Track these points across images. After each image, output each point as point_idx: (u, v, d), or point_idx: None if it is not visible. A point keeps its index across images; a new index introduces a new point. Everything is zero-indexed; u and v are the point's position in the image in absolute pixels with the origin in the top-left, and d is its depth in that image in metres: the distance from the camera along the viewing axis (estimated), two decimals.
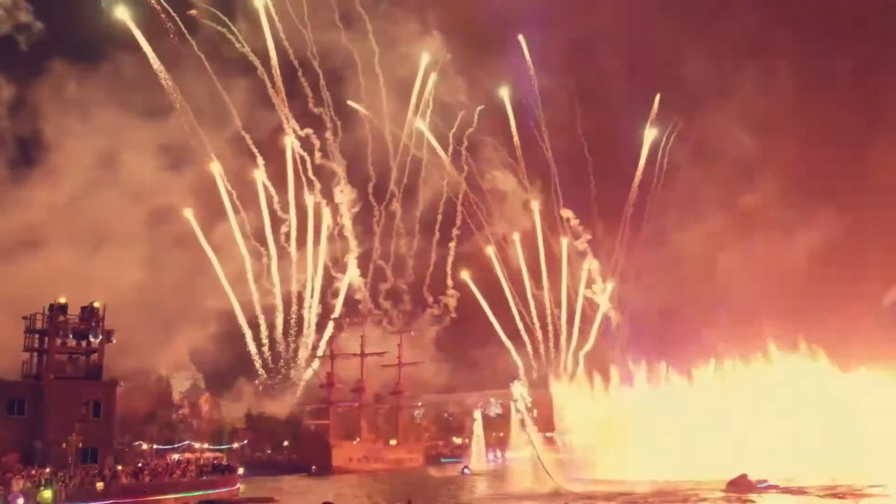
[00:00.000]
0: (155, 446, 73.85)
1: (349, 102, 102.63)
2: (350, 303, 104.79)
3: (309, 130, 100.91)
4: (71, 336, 61.72)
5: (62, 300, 61.28)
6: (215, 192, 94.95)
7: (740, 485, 51.81)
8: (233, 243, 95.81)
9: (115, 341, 63.25)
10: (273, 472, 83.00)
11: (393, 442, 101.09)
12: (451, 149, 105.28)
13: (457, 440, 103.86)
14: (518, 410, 63.04)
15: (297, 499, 58.26)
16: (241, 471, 66.93)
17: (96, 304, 61.97)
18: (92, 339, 61.69)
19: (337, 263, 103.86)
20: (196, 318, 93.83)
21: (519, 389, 64.49)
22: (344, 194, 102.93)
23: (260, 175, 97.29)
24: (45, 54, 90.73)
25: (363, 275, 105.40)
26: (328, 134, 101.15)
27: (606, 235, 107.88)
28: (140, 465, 60.48)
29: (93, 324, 61.51)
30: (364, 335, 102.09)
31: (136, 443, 72.39)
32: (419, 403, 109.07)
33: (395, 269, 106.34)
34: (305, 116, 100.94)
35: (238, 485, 61.14)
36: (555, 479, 55.91)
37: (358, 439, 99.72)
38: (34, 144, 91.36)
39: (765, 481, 52.60)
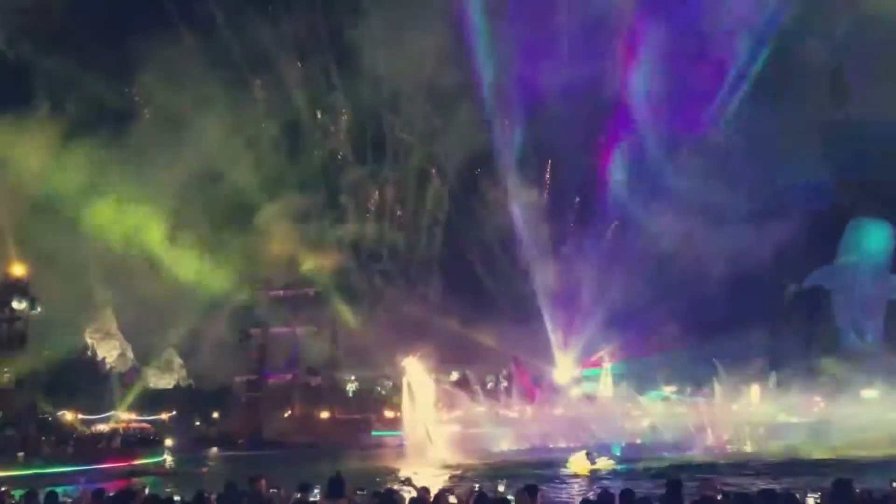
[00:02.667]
0: (80, 416, 72.60)
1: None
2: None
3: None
4: None
5: None
6: None
7: (581, 463, 53.66)
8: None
9: (39, 309, 61.93)
10: (202, 444, 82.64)
11: (324, 415, 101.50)
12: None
13: (388, 414, 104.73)
14: (409, 389, 64.47)
15: (223, 470, 58.23)
16: (168, 442, 66.59)
17: (19, 271, 60.47)
18: (15, 306, 60.27)
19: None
20: (126, 288, 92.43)
21: (412, 365, 65.32)
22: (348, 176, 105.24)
23: None
24: None
25: (359, 255, 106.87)
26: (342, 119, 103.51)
27: None
28: (64, 435, 59.62)
29: (16, 291, 60.09)
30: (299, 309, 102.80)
31: (61, 412, 71.02)
32: (352, 377, 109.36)
33: (388, 250, 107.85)
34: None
35: (165, 456, 60.87)
36: (440, 452, 58.37)
37: (289, 412, 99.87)
38: None
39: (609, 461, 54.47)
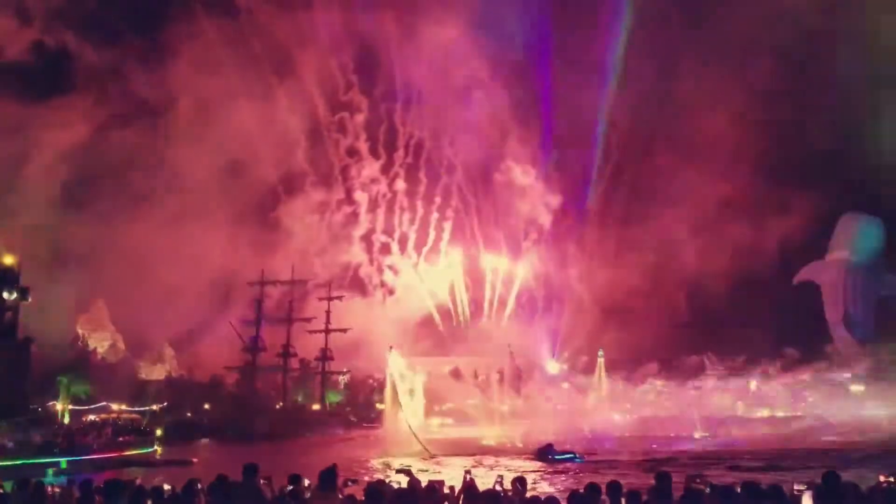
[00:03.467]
0: (70, 407, 72.47)
1: None
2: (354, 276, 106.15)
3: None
4: None
5: None
6: None
7: (543, 453, 54.07)
8: None
9: (30, 300, 61.69)
10: (192, 435, 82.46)
11: (316, 407, 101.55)
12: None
13: (379, 406, 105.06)
14: (392, 382, 64.54)
15: (214, 462, 58.22)
16: (159, 433, 66.48)
17: (9, 261, 60.19)
18: (6, 296, 60.05)
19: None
20: (117, 278, 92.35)
21: (394, 359, 65.59)
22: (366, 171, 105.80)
23: None
24: None
25: (368, 249, 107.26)
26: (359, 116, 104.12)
27: None
28: (55, 425, 59.56)
29: (6, 281, 59.86)
30: (292, 300, 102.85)
31: (51, 403, 70.91)
32: (345, 369, 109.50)
33: (398, 243, 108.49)
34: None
35: (155, 447, 60.81)
36: (423, 444, 58.67)
37: (281, 404, 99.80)
38: None
39: (569, 452, 54.74)
